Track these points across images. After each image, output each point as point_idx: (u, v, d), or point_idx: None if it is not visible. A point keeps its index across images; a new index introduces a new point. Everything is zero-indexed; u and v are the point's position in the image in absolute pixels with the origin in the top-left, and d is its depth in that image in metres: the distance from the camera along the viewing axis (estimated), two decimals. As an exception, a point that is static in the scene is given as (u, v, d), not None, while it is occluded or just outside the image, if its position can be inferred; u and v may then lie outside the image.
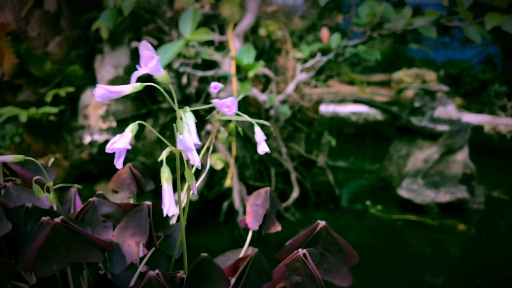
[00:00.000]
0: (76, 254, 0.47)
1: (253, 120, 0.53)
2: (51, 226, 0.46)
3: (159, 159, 0.44)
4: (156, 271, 0.44)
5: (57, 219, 0.46)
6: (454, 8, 1.55)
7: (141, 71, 0.41)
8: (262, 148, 0.54)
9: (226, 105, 0.44)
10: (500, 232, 2.26)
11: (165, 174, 0.44)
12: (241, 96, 0.57)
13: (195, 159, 0.41)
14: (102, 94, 0.41)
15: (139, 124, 0.45)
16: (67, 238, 0.47)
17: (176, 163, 0.45)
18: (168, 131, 2.13)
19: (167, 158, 0.44)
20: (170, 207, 0.43)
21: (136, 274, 0.54)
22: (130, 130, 0.42)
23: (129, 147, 0.41)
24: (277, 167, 2.20)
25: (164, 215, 0.43)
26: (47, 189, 0.57)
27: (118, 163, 0.43)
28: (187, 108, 0.45)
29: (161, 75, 0.42)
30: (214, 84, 0.55)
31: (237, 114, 0.50)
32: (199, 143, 0.43)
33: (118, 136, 0.41)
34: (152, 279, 0.44)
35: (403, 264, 1.82)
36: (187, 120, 0.43)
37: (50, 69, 2.07)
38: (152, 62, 0.40)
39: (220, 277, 0.54)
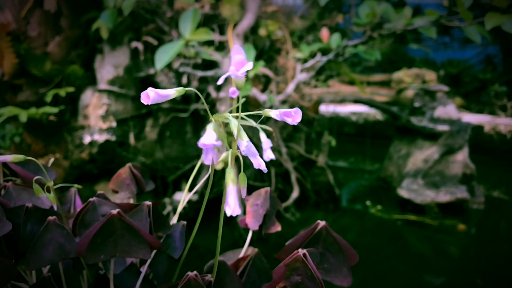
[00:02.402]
0: (124, 248, 0.48)
1: (258, 126, 0.53)
2: (107, 217, 0.47)
3: (219, 161, 0.45)
4: (194, 272, 0.46)
5: (114, 211, 0.47)
6: (454, 8, 1.55)
7: (232, 73, 0.41)
8: (268, 155, 0.55)
9: (290, 115, 0.44)
10: (500, 232, 2.26)
11: (231, 175, 0.44)
12: (243, 100, 0.57)
13: (261, 163, 0.42)
14: (153, 97, 0.43)
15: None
16: (119, 230, 0.47)
17: (229, 164, 0.45)
18: (168, 131, 2.13)
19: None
20: (235, 207, 0.43)
21: (141, 277, 0.54)
22: (213, 128, 0.43)
23: (219, 143, 0.41)
24: (277, 167, 2.20)
25: (228, 215, 0.43)
26: (47, 189, 0.57)
27: (207, 159, 0.44)
28: (228, 115, 0.45)
29: (242, 80, 0.42)
30: (232, 89, 0.55)
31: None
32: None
33: (205, 133, 0.42)
34: (191, 280, 0.45)
35: (403, 264, 1.82)
36: (239, 127, 0.44)
37: (50, 69, 2.07)
38: (245, 67, 0.40)
39: (233, 281, 0.54)
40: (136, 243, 0.48)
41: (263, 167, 0.42)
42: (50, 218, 0.50)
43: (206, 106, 0.45)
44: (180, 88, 0.45)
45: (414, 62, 5.14)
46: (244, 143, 0.42)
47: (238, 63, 0.41)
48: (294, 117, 0.44)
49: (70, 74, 2.10)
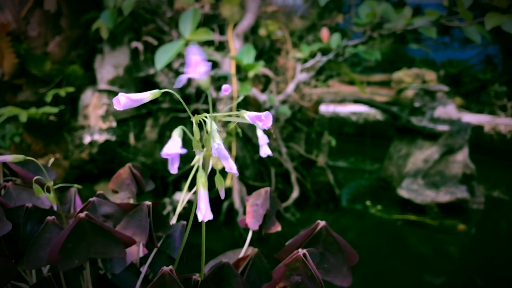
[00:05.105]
0: (98, 250, 0.47)
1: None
2: (76, 221, 0.46)
3: (193, 163, 0.44)
4: (170, 267, 0.44)
5: (82, 214, 0.46)
6: (454, 8, 1.55)
7: (189, 75, 0.40)
8: (265, 151, 0.55)
9: (260, 119, 0.43)
10: (500, 232, 2.26)
11: (202, 179, 0.43)
12: (241, 98, 0.57)
13: (232, 167, 0.41)
14: (125, 102, 0.41)
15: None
16: (90, 233, 0.47)
17: (200, 167, 0.45)
18: (168, 131, 2.13)
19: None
20: (207, 212, 0.42)
21: (141, 277, 0.54)
22: (178, 134, 0.42)
23: (183, 151, 0.41)
24: (277, 167, 2.20)
25: (200, 220, 0.42)
26: (47, 189, 0.57)
27: (173, 168, 0.43)
28: (206, 115, 0.44)
29: (205, 80, 0.41)
30: (225, 86, 0.55)
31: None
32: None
33: (169, 141, 0.41)
34: (165, 274, 0.44)
35: (403, 264, 1.82)
36: (212, 128, 0.43)
37: (50, 69, 2.07)
38: (201, 67, 0.39)
39: (238, 283, 0.54)
40: (109, 242, 0.48)
41: (235, 171, 0.42)
42: (49, 218, 0.50)
43: (188, 111, 0.45)
44: (156, 91, 0.43)
45: (414, 62, 5.14)
46: (215, 145, 0.41)
47: (194, 64, 0.40)
48: (264, 121, 0.43)
49: (70, 74, 2.10)
